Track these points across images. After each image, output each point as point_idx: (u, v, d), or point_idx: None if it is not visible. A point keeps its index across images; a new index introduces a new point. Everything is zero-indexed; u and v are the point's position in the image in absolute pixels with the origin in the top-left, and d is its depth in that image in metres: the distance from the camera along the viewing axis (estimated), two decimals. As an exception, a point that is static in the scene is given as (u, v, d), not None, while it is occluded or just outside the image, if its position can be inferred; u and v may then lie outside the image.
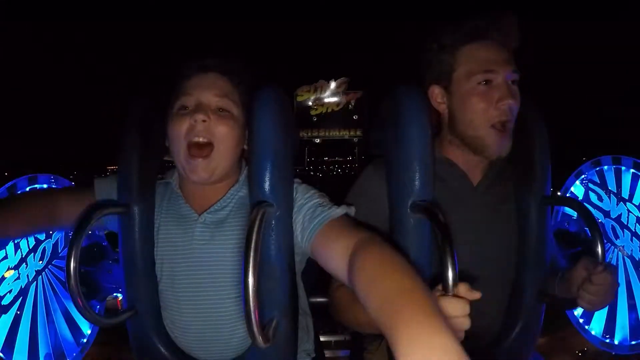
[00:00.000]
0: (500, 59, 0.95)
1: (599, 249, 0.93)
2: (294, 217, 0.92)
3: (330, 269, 0.82)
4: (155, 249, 0.98)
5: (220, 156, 0.92)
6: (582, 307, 0.94)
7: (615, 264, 1.57)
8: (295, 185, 0.96)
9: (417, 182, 0.90)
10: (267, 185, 0.89)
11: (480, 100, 0.95)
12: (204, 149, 0.91)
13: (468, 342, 0.77)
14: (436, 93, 1.02)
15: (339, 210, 0.89)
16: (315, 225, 0.87)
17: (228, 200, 0.97)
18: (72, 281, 0.82)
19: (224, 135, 0.92)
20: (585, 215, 0.98)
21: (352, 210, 0.93)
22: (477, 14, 0.98)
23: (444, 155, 1.05)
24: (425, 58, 1.03)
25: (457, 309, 0.70)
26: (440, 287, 0.72)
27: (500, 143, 0.96)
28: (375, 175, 1.03)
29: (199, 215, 0.96)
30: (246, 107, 0.96)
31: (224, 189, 0.99)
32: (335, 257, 0.79)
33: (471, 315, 0.71)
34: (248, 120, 0.94)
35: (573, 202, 1.08)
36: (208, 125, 0.90)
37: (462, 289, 0.70)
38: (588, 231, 0.97)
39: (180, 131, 0.91)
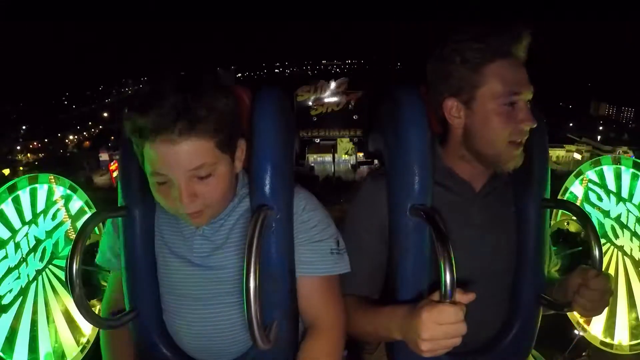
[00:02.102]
0: (524, 79, 0.94)
1: (596, 253, 0.94)
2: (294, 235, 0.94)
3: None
4: (156, 254, 0.98)
5: (213, 209, 0.87)
6: (577, 312, 0.95)
7: (615, 263, 1.57)
8: (300, 201, 0.95)
9: (416, 186, 0.90)
10: (267, 189, 0.89)
11: (503, 120, 0.93)
12: (198, 213, 0.84)
13: (466, 344, 0.78)
14: (452, 106, 0.97)
15: (321, 269, 0.93)
16: (299, 269, 0.93)
17: (227, 213, 0.96)
18: (75, 284, 0.82)
19: (212, 197, 0.83)
20: (583, 219, 0.98)
21: (338, 267, 0.95)
22: (498, 28, 0.95)
23: (447, 165, 1.04)
24: (442, 68, 0.96)
25: (453, 316, 0.70)
26: (435, 295, 0.73)
27: (515, 157, 0.96)
28: (374, 187, 1.03)
29: (197, 227, 0.96)
30: (228, 140, 0.83)
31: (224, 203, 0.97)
32: (299, 307, 0.94)
33: (468, 319, 0.72)
34: (247, 122, 0.93)
35: (571, 205, 1.08)
36: (195, 202, 0.81)
37: (457, 294, 0.71)
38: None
39: (168, 204, 0.83)
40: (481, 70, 0.93)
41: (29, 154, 46.31)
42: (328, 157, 37.46)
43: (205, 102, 0.77)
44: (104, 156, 42.17)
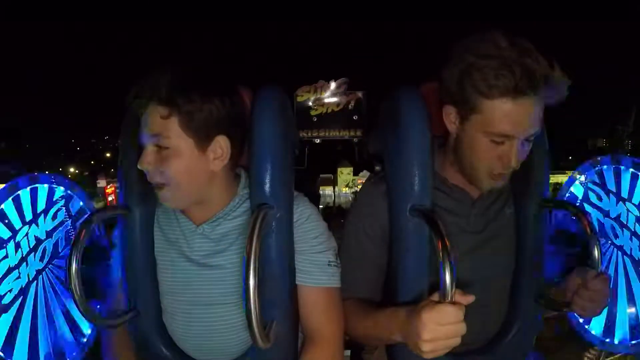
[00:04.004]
0: (525, 121, 0.87)
1: (595, 253, 0.94)
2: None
3: None
4: (155, 254, 0.98)
5: (177, 191, 0.89)
6: (576, 313, 0.95)
7: (614, 263, 1.57)
8: (306, 209, 0.97)
9: (416, 186, 0.91)
10: (267, 187, 0.90)
11: (485, 152, 0.92)
12: (161, 187, 0.90)
13: (466, 344, 0.78)
14: (451, 113, 0.97)
15: (322, 280, 0.96)
16: (298, 278, 0.96)
17: (227, 212, 0.97)
18: (74, 284, 0.83)
19: (172, 175, 0.87)
20: (583, 220, 0.98)
21: (335, 279, 0.98)
22: (529, 54, 0.84)
23: (443, 175, 1.04)
24: (453, 75, 0.93)
25: (452, 316, 0.71)
26: (435, 296, 0.74)
27: (494, 184, 0.96)
28: (374, 191, 1.03)
29: (197, 226, 0.96)
30: (207, 124, 0.88)
31: (222, 202, 0.98)
32: (299, 315, 0.97)
33: (468, 319, 0.72)
34: (249, 121, 0.93)
35: (571, 205, 1.09)
36: (154, 171, 0.88)
37: (456, 295, 0.72)
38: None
39: (143, 172, 0.91)
40: (483, 100, 0.88)
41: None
42: (328, 190, 37.33)
43: (180, 83, 0.85)
44: (101, 183, 42.11)
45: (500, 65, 0.84)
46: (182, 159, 0.86)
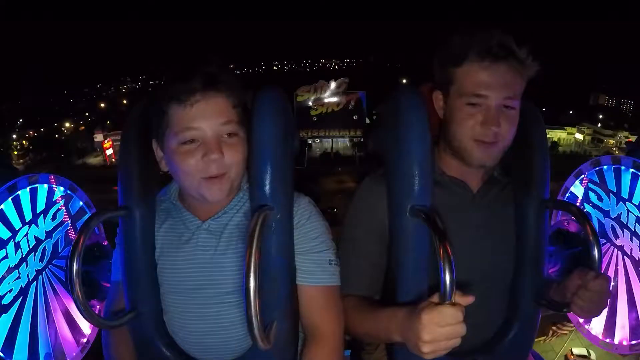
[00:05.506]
0: (496, 82, 0.94)
1: (595, 254, 0.94)
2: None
3: None
4: (156, 254, 0.98)
5: (233, 178, 0.91)
6: (575, 313, 0.95)
7: (614, 263, 1.57)
8: (305, 210, 0.97)
9: (416, 187, 0.90)
10: (267, 189, 0.89)
11: (465, 118, 0.97)
12: (219, 177, 0.89)
13: (466, 344, 0.78)
14: (437, 97, 1.05)
15: (324, 279, 0.96)
16: (300, 278, 0.96)
17: (232, 207, 0.97)
18: (75, 284, 0.82)
19: (237, 162, 0.90)
20: (583, 220, 0.98)
21: (336, 278, 0.98)
22: (490, 30, 0.96)
23: (440, 167, 1.05)
24: (434, 62, 1.05)
25: (452, 318, 0.71)
26: (435, 297, 0.74)
27: (482, 154, 0.98)
28: (373, 189, 1.04)
29: (203, 222, 0.96)
30: (243, 116, 0.93)
31: (228, 197, 0.98)
32: (300, 315, 0.97)
33: (468, 319, 0.72)
34: (249, 122, 0.93)
35: (571, 206, 1.08)
36: (222, 159, 0.87)
37: (456, 296, 0.72)
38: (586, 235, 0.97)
39: (191, 168, 0.86)
40: (454, 69, 0.98)
41: (24, 141, 47.15)
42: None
43: (227, 74, 0.89)
44: (98, 137, 41.54)
45: (467, 40, 0.97)
46: (244, 147, 0.91)
